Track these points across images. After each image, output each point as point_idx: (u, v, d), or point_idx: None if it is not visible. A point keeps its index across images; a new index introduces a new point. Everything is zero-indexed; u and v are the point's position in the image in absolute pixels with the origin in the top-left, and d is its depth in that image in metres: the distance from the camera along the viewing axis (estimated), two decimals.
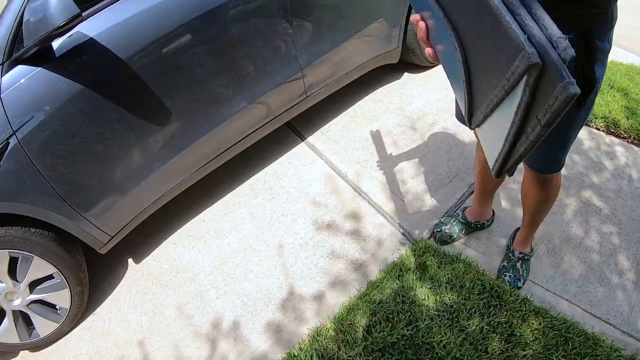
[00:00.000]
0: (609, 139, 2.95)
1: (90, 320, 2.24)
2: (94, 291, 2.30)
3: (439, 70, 3.60)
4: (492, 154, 0.73)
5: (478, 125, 0.77)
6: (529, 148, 0.63)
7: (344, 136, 3.02)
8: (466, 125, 1.79)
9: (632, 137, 2.95)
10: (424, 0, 0.84)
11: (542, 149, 1.53)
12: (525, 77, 0.57)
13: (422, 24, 0.88)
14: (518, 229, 2.17)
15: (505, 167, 0.71)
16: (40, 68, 1.69)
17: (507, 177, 2.10)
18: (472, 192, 2.44)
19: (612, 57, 3.60)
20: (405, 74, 3.58)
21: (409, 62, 3.48)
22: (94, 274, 2.34)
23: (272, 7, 2.29)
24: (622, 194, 2.56)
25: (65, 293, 2.06)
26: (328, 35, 2.65)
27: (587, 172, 2.69)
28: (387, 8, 2.89)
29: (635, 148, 2.89)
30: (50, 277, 2.01)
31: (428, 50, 0.92)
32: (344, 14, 2.72)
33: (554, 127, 1.45)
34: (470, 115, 0.78)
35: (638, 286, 2.10)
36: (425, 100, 3.27)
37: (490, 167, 0.76)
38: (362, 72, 3.08)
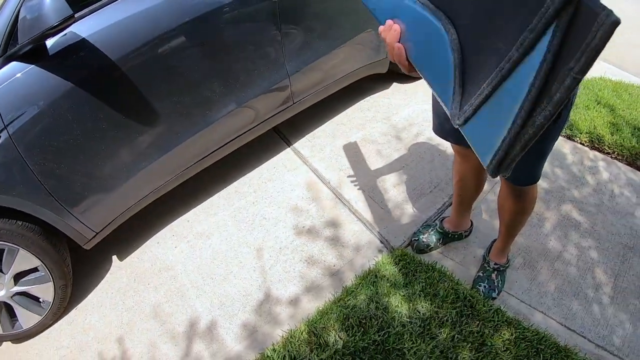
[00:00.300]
0: (592, 154, 2.99)
1: (72, 314, 2.27)
2: (77, 286, 2.33)
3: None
4: (487, 148, 0.67)
5: (466, 121, 0.70)
6: (549, 115, 0.56)
7: (330, 143, 3.05)
8: (445, 138, 1.84)
9: (616, 152, 2.98)
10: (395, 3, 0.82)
11: (520, 162, 1.56)
12: (555, 21, 0.53)
13: (396, 26, 0.87)
14: (495, 240, 2.19)
15: (508, 158, 0.65)
16: (33, 65, 1.74)
17: (482, 188, 2.13)
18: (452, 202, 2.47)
19: (600, 73, 3.67)
20: (394, 84, 3.63)
21: (397, 72, 3.52)
22: (78, 269, 2.38)
23: (262, 14, 2.33)
24: (602, 208, 2.59)
25: (49, 286, 2.10)
26: (317, 43, 2.68)
27: (569, 186, 2.72)
28: None
29: (619, 164, 2.93)
30: (35, 270, 2.04)
31: (402, 60, 0.90)
32: (334, 22, 2.76)
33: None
34: (457, 111, 0.72)
35: (614, 301, 2.12)
36: (411, 110, 3.32)
37: (486, 164, 0.70)
38: (350, 80, 3.12)
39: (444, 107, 0.75)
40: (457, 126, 0.72)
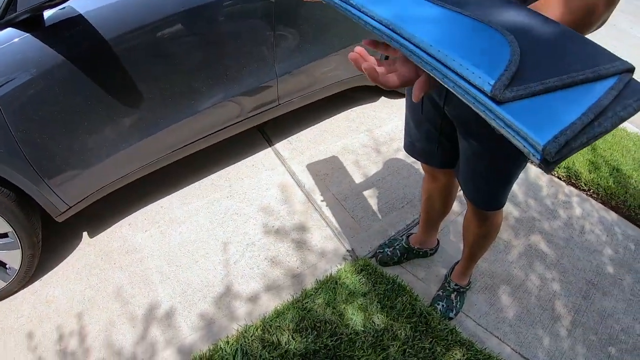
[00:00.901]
0: (568, 189, 3.05)
1: (37, 284, 2.28)
2: (45, 257, 2.34)
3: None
4: (549, 124, 0.57)
5: (515, 99, 0.60)
6: (606, 129, 0.56)
7: (310, 148, 3.09)
8: (415, 157, 1.87)
9: (591, 190, 3.04)
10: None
11: (484, 186, 1.60)
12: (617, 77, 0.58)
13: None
14: (459, 261, 2.23)
15: (572, 145, 0.56)
16: (28, 34, 1.74)
17: (450, 209, 2.18)
18: None
19: None
20: (382, 97, 3.67)
21: None
22: (48, 241, 2.39)
23: (258, 13, 2.36)
24: (571, 243, 2.63)
25: (17, 254, 2.10)
26: (309, 48, 2.72)
27: (541, 217, 2.77)
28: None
29: (593, 201, 2.98)
30: (5, 235, 2.05)
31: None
32: (329, 29, 2.79)
33: (498, 165, 1.51)
34: (502, 86, 0.60)
35: (572, 334, 2.16)
36: (395, 125, 3.36)
37: (546, 139, 0.55)
38: (339, 89, 3.16)
39: (471, 77, 0.62)
40: (496, 97, 0.60)
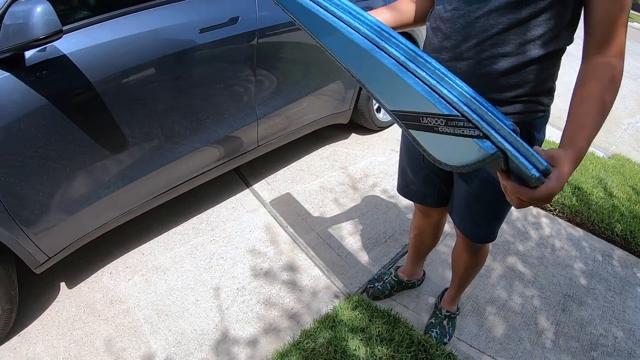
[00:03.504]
0: (535, 210, 3.21)
1: (15, 341, 2.14)
2: (22, 310, 2.23)
3: (384, 135, 3.82)
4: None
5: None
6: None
7: (288, 188, 3.11)
8: (410, 198, 1.93)
9: (557, 210, 3.22)
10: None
11: (480, 221, 1.67)
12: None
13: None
14: (446, 289, 2.29)
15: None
16: (8, 73, 1.67)
17: (438, 241, 2.24)
18: (406, 252, 2.58)
19: (547, 136, 3.93)
20: (353, 134, 3.76)
21: (357, 124, 3.66)
22: (24, 293, 2.29)
23: (239, 57, 2.39)
24: (544, 261, 2.77)
25: None
26: (288, 89, 2.76)
27: (514, 240, 2.89)
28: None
29: (560, 220, 3.16)
30: None
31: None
32: (307, 71, 2.85)
33: (493, 203, 1.62)
34: None
35: (556, 345, 2.26)
36: (368, 162, 3.44)
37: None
38: (314, 128, 3.21)
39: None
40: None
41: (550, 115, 1.45)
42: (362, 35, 0.89)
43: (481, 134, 0.76)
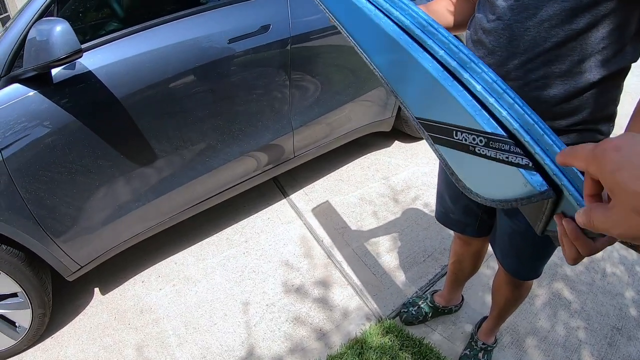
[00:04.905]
0: None
1: (48, 342, 2.22)
2: (56, 313, 2.28)
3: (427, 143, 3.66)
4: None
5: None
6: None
7: (327, 199, 3.04)
8: (449, 227, 1.81)
9: None
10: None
11: (523, 259, 1.55)
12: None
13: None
14: (485, 317, 2.16)
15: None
16: (36, 91, 1.72)
17: (478, 269, 2.12)
18: (445, 274, 2.45)
19: None
20: (396, 142, 3.65)
21: (400, 130, 3.54)
22: (59, 297, 2.34)
23: (272, 66, 2.34)
24: (594, 287, 2.57)
25: (27, 313, 2.06)
26: (325, 98, 2.69)
27: (562, 262, 2.71)
28: None
29: None
30: (14, 295, 2.00)
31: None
32: (346, 77, 2.77)
33: (539, 242, 1.46)
34: None
35: None
36: (411, 172, 3.32)
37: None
38: (354, 137, 3.13)
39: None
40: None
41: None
42: (396, 24, 0.72)
43: (530, 164, 0.60)
